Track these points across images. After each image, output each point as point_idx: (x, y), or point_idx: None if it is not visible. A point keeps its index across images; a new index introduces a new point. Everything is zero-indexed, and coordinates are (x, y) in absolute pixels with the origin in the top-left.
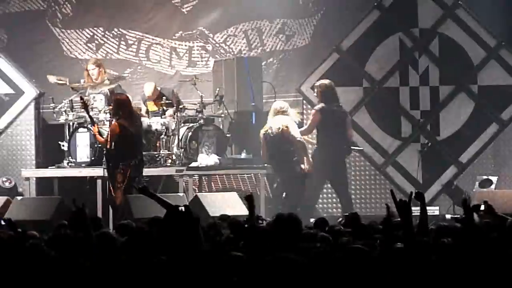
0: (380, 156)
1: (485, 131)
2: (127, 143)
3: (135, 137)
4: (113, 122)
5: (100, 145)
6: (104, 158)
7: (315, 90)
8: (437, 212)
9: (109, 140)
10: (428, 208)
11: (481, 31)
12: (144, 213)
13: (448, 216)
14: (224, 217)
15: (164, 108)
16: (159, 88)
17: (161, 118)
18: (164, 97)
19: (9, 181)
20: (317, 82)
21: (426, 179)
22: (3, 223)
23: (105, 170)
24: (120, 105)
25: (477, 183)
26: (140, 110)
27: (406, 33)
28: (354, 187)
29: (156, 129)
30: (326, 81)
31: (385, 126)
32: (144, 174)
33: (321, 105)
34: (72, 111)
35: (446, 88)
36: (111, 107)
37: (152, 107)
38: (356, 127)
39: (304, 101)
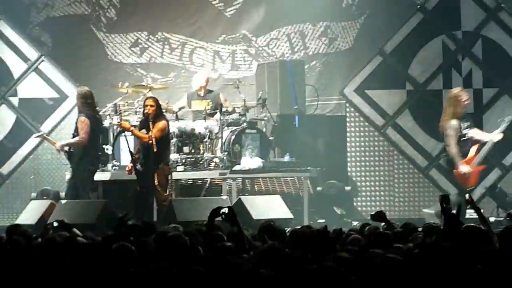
0: (424, 158)
1: None
2: (168, 142)
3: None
4: (162, 122)
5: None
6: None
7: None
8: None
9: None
10: (471, 211)
11: None
12: (187, 216)
13: (492, 219)
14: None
15: (208, 110)
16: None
17: (205, 121)
18: (210, 100)
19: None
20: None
21: None
22: (55, 224)
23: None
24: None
25: None
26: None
27: (449, 35)
28: (398, 189)
29: (200, 133)
30: (84, 89)
31: (429, 128)
32: (187, 177)
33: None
34: (116, 115)
35: (490, 90)
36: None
37: (197, 106)
38: (399, 130)
39: (347, 104)
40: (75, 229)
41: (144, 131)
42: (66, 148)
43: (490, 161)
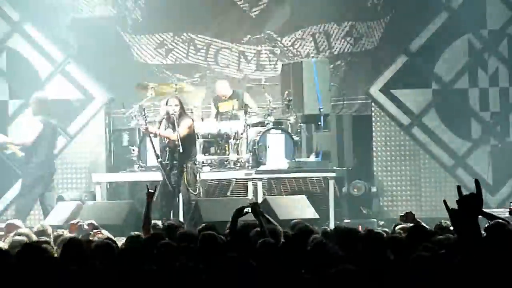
0: (450, 158)
1: None
2: (195, 141)
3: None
4: (187, 120)
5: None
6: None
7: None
8: (507, 214)
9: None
10: (498, 210)
11: None
12: (213, 217)
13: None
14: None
15: (235, 109)
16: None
17: (230, 121)
18: (236, 99)
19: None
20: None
21: (496, 181)
22: (86, 227)
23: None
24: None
25: None
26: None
27: (475, 34)
28: (424, 189)
29: (226, 133)
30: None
31: (455, 127)
32: (213, 177)
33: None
34: (141, 117)
35: None
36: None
37: (224, 107)
38: (425, 129)
39: (373, 104)
40: (104, 231)
41: (170, 130)
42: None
43: None
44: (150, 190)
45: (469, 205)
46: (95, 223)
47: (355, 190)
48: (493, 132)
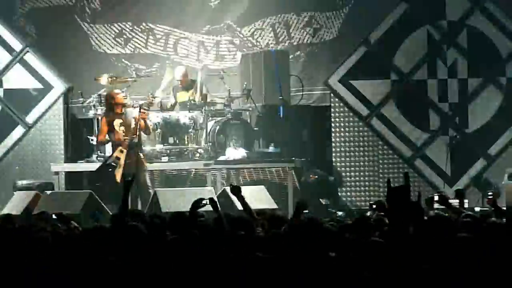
0: (408, 148)
1: None
2: None
3: None
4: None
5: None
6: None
7: None
8: (466, 205)
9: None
10: (456, 201)
11: (510, 23)
12: (172, 207)
13: (477, 209)
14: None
15: (193, 100)
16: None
17: (189, 112)
18: (194, 89)
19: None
20: None
21: (454, 172)
22: (54, 216)
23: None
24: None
25: (506, 175)
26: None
27: (434, 25)
28: (382, 180)
29: (184, 123)
30: None
31: (413, 119)
32: (172, 168)
33: None
34: (101, 105)
35: (475, 80)
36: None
37: (182, 97)
38: (384, 120)
39: (332, 95)
40: (73, 222)
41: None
42: None
43: (475, 151)
44: (127, 179)
45: (398, 197)
46: (63, 213)
47: (310, 176)
48: (452, 123)
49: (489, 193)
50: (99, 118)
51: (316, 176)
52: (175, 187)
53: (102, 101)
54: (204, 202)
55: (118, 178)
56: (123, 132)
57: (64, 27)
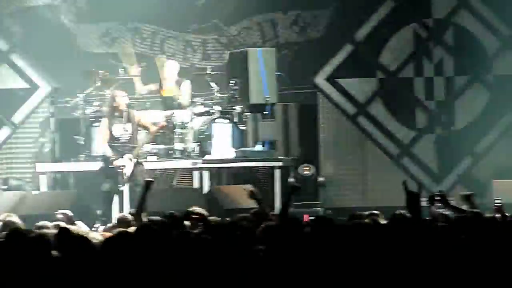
0: (395, 147)
1: (501, 121)
2: None
3: None
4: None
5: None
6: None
7: None
8: (453, 203)
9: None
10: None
11: (496, 21)
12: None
13: (463, 207)
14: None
15: (179, 101)
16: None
17: (176, 111)
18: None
19: None
20: None
21: (441, 170)
22: (60, 216)
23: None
24: None
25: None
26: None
27: (420, 23)
28: (370, 178)
29: (171, 122)
30: None
31: (400, 117)
32: (158, 167)
33: None
34: (87, 106)
35: (461, 78)
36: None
37: (169, 92)
38: (371, 118)
39: (319, 93)
40: (79, 222)
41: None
42: None
43: (461, 148)
44: (148, 179)
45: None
46: (69, 213)
47: (305, 169)
48: (438, 121)
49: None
50: (88, 117)
51: (310, 170)
52: (162, 187)
53: (89, 100)
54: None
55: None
56: (128, 137)
57: (50, 26)
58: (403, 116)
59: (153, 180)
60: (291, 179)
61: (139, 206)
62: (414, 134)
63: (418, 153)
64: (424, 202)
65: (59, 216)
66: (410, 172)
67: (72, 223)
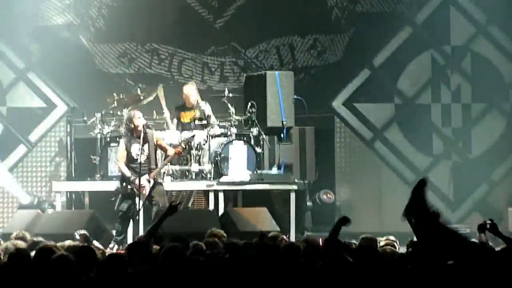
0: (412, 173)
1: None
2: None
3: None
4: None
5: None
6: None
7: None
8: (468, 230)
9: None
10: (459, 226)
11: None
12: (174, 228)
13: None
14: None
15: (196, 122)
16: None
17: (192, 132)
18: (198, 110)
19: None
20: None
21: (457, 197)
22: (77, 236)
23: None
24: None
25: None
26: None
27: (438, 50)
28: (385, 204)
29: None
30: None
31: (417, 143)
32: (174, 188)
33: None
34: (104, 126)
35: (478, 105)
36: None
37: (186, 118)
38: (387, 144)
39: (336, 117)
40: (95, 242)
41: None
42: None
43: (478, 176)
44: (174, 203)
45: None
46: (87, 234)
47: (327, 196)
48: (455, 148)
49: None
50: (105, 137)
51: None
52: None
53: (105, 120)
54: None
55: (141, 204)
56: (146, 158)
57: (68, 46)
58: (419, 142)
59: (178, 205)
60: (309, 203)
61: (154, 229)
62: (430, 160)
63: (434, 179)
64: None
65: (77, 235)
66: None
67: (90, 243)
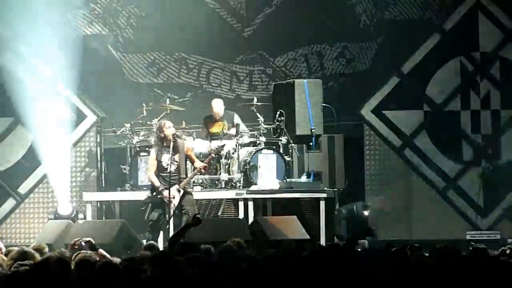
0: (441, 180)
1: None
2: None
3: None
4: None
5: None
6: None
7: None
8: (498, 237)
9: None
10: (489, 232)
11: None
12: (203, 237)
13: (510, 241)
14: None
15: (225, 131)
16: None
17: (221, 141)
18: (226, 121)
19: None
20: None
21: (487, 204)
22: (83, 244)
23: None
24: None
25: None
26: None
27: (467, 56)
28: (415, 210)
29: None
30: None
31: (446, 149)
32: (204, 197)
33: None
34: (133, 135)
35: (508, 111)
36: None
37: (216, 129)
38: (417, 151)
39: (365, 125)
40: (101, 250)
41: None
42: None
43: (507, 182)
44: (197, 215)
45: None
46: (93, 241)
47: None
48: (485, 154)
49: None
50: (135, 147)
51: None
52: (207, 217)
53: (135, 130)
54: None
55: (169, 214)
56: (176, 167)
57: (96, 56)
58: (449, 149)
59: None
60: (344, 211)
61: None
62: (460, 167)
63: (463, 186)
64: None
65: (83, 243)
66: (456, 205)
67: (96, 250)
